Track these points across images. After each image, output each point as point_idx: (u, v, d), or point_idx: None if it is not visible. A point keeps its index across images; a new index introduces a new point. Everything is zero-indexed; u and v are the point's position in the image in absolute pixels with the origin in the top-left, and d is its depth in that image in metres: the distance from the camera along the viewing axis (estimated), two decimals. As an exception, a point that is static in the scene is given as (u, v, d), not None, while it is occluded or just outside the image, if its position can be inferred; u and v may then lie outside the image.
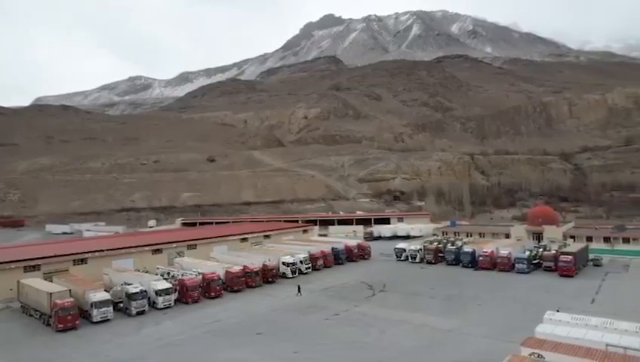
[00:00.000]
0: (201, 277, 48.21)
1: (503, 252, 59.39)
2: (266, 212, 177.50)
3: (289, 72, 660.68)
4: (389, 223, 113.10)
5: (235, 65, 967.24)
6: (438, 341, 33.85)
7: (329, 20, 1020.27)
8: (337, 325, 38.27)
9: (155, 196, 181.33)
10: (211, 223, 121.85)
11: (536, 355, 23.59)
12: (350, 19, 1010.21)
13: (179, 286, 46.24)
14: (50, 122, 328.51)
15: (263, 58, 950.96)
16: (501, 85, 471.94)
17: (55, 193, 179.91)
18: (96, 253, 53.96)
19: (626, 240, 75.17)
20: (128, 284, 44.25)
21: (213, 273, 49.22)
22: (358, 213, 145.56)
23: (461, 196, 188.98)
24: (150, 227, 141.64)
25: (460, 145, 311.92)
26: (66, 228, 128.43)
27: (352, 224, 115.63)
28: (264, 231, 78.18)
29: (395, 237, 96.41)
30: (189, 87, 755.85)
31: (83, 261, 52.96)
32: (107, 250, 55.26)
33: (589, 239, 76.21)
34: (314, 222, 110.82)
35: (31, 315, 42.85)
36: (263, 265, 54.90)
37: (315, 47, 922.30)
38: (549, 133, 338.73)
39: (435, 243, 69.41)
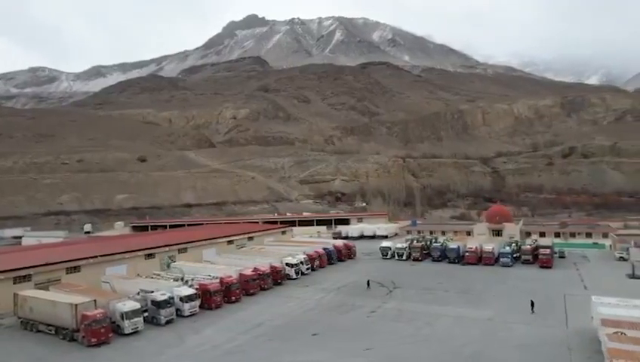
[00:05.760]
0: (218, 281, 46.30)
1: (488, 247, 64.37)
2: (208, 214, 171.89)
3: (213, 71, 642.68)
4: (348, 223, 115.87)
5: (153, 61, 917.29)
6: (489, 329, 36.22)
7: (252, 20, 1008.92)
8: (383, 321, 39.18)
9: (85, 198, 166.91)
10: (165, 226, 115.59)
11: (620, 333, 26.72)
12: (274, 20, 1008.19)
13: (201, 291, 43.96)
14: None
15: (184, 55, 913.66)
16: (421, 92, 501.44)
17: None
18: (91, 260, 49.18)
19: (572, 235, 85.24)
20: (149, 291, 41.18)
21: (230, 276, 47.47)
22: (305, 214, 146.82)
23: (400, 197, 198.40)
24: (87, 232, 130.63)
25: (386, 149, 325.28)
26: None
27: (313, 225, 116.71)
28: (248, 233, 76.14)
29: (362, 237, 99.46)
30: (102, 82, 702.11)
31: (76, 269, 47.96)
32: (101, 256, 50.60)
33: (542, 235, 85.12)
34: (275, 223, 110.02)
35: (39, 331, 38.12)
36: (271, 266, 53.97)
37: (238, 47, 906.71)
38: (466, 138, 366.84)
39: (415, 241, 73.20)
